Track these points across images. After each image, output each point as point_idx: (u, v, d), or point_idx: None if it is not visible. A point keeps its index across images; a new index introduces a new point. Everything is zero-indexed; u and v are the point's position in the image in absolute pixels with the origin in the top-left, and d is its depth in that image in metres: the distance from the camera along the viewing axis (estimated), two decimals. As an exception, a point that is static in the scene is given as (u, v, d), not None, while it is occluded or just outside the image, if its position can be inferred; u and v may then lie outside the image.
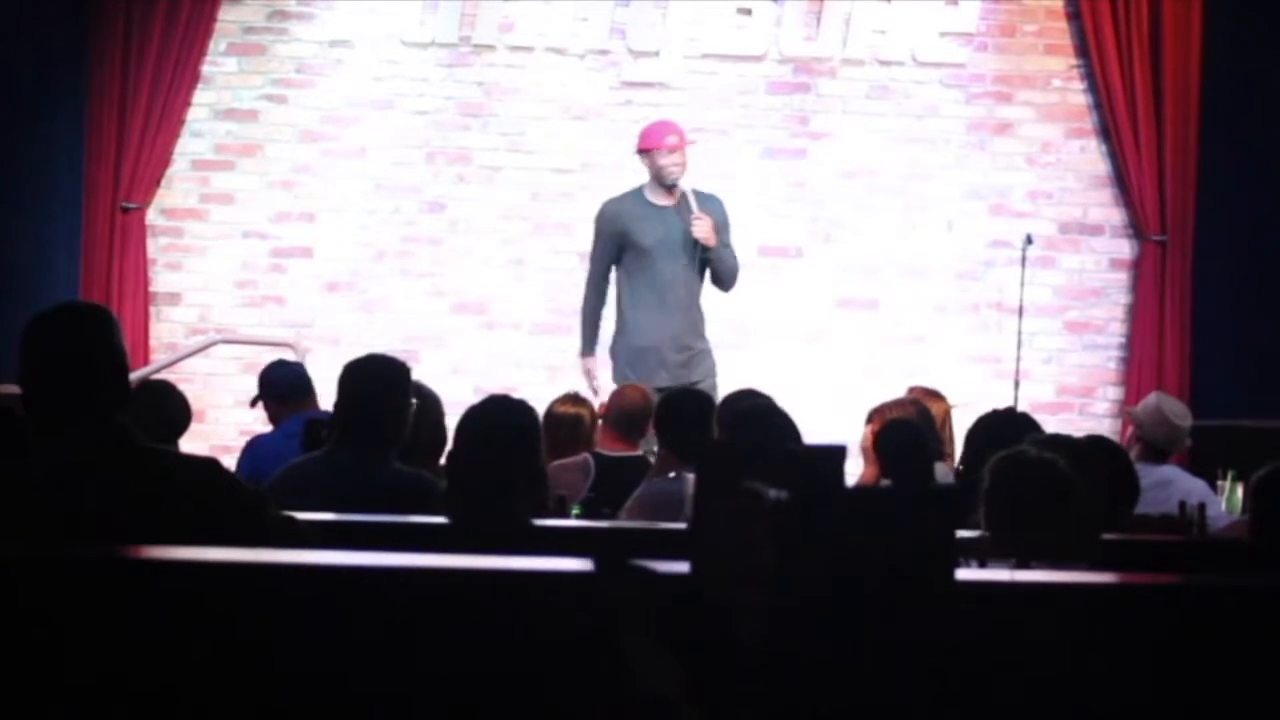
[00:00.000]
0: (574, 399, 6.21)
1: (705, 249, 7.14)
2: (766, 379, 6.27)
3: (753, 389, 5.58)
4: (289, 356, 7.23)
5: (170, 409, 5.43)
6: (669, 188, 7.19)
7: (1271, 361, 8.46)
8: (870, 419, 5.94)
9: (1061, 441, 4.19)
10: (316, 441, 4.75)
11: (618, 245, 7.27)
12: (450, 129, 8.84)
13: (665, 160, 7.19)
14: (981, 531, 3.57)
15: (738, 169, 8.78)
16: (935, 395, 6.60)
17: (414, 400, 4.56)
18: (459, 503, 3.83)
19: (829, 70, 8.85)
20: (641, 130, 7.45)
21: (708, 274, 7.29)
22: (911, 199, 8.80)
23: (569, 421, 5.97)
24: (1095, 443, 4.81)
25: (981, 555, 3.45)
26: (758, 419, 4.91)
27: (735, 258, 7.30)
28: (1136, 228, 8.81)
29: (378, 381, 4.53)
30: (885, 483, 5.90)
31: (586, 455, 5.67)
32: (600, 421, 5.96)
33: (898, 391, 6.90)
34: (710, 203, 7.28)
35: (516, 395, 4.10)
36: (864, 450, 5.83)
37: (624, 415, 5.83)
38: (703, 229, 7.10)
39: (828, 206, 8.85)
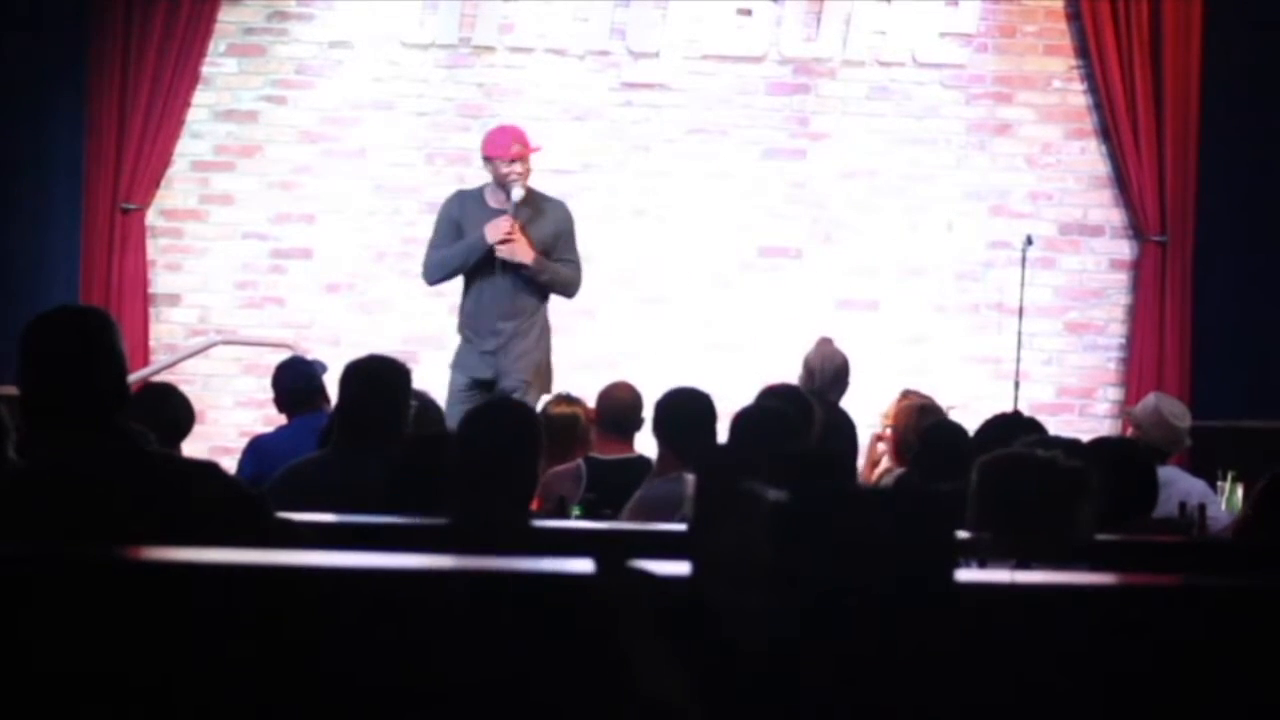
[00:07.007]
0: (567, 399, 6.19)
1: (521, 267, 6.90)
2: (767, 379, 6.27)
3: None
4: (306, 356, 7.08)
5: (172, 410, 5.45)
6: (508, 194, 6.99)
7: (1271, 361, 8.46)
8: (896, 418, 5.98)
9: (1060, 444, 4.17)
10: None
11: (454, 237, 7.09)
12: (450, 130, 8.83)
13: (507, 169, 6.98)
14: (972, 532, 3.53)
15: (737, 169, 8.79)
16: (925, 399, 6.60)
17: (414, 402, 4.56)
18: (459, 503, 3.82)
19: (829, 71, 8.85)
20: (485, 135, 7.26)
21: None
22: (911, 200, 8.80)
23: (565, 423, 5.93)
24: (1103, 444, 4.78)
25: (982, 555, 3.44)
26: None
27: (569, 268, 7.04)
28: (1136, 228, 8.81)
29: (375, 382, 4.53)
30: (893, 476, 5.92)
31: (579, 461, 5.62)
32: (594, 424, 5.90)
33: (896, 391, 6.92)
34: (552, 209, 7.12)
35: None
36: (873, 447, 5.82)
37: (614, 415, 5.77)
38: (508, 250, 6.88)
39: (828, 207, 8.85)
